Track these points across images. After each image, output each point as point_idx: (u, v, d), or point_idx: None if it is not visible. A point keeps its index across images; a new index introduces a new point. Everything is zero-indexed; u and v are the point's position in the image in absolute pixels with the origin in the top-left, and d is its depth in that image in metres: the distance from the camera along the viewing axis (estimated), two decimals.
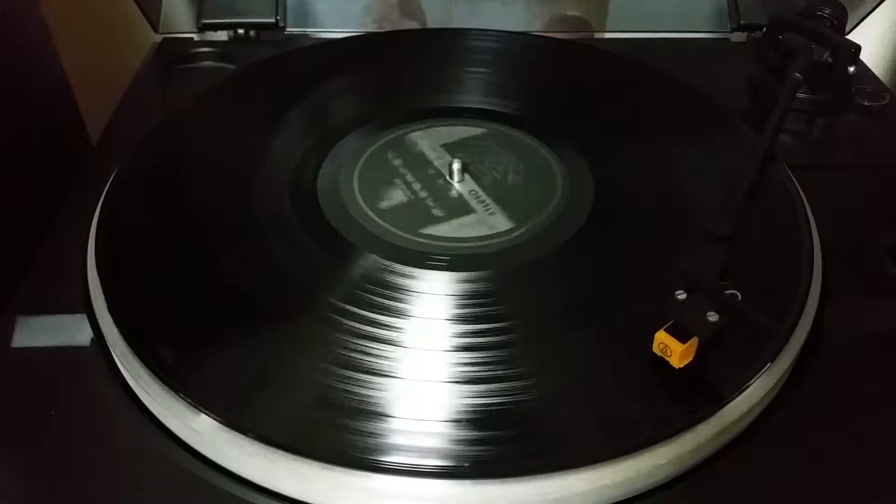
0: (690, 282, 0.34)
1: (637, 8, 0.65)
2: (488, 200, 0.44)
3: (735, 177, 0.42)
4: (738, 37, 0.64)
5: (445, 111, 0.51)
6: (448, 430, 0.31)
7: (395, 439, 0.31)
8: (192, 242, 0.41)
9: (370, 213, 0.43)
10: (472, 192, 0.45)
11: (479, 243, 0.41)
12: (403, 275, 0.38)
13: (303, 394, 0.33)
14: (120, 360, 0.35)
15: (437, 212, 0.43)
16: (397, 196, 0.44)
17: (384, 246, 0.40)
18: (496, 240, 0.41)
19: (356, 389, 0.33)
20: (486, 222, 0.42)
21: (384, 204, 0.43)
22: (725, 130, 0.49)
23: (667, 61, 0.55)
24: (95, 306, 0.37)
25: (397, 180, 0.45)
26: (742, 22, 0.63)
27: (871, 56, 0.70)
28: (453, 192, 0.45)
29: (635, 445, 0.31)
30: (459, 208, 0.43)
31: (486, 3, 0.64)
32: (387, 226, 0.42)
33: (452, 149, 0.48)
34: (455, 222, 0.42)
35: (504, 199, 0.44)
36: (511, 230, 0.42)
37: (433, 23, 0.65)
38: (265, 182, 0.45)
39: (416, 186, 0.45)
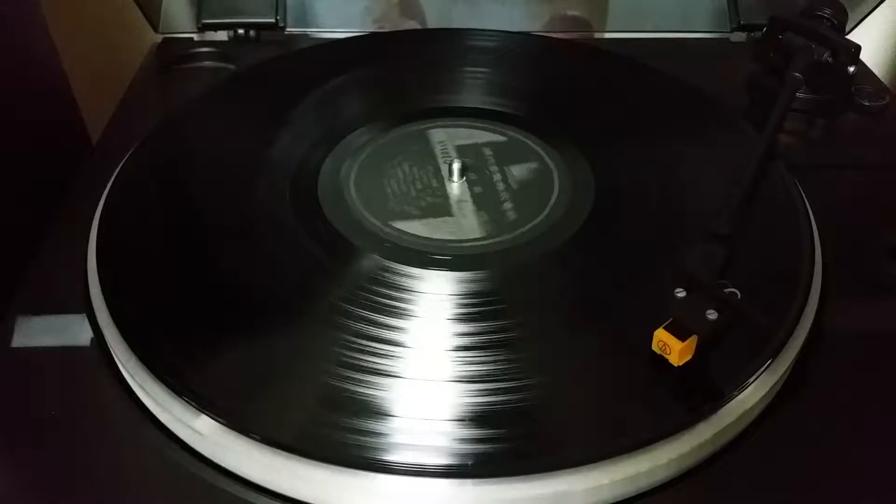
0: (690, 280, 0.34)
1: (637, 8, 0.65)
2: (488, 199, 0.44)
3: (735, 176, 0.42)
4: (738, 37, 0.64)
5: (445, 111, 0.51)
6: (449, 430, 0.31)
7: (396, 438, 0.31)
8: (192, 242, 0.41)
9: (371, 213, 0.43)
10: (472, 192, 0.45)
11: (480, 243, 0.41)
12: (405, 275, 0.38)
13: (303, 394, 0.33)
14: (120, 361, 0.35)
15: (437, 211, 0.43)
16: (397, 195, 0.44)
17: (385, 246, 0.40)
18: (497, 239, 0.41)
19: (357, 389, 0.33)
20: (487, 221, 0.42)
21: (385, 203, 0.43)
22: (726, 130, 0.49)
23: (667, 61, 0.55)
24: (95, 306, 0.37)
25: (397, 180, 0.45)
26: (742, 22, 0.63)
27: (871, 56, 0.70)
28: (454, 191, 0.45)
29: (635, 445, 0.31)
30: (460, 208, 0.43)
31: (486, 3, 0.64)
32: (387, 226, 0.42)
33: (452, 149, 0.48)
34: (456, 222, 0.42)
35: (504, 197, 0.44)
36: (511, 230, 0.42)
37: (433, 23, 0.65)
38: (265, 182, 0.45)
39: (417, 186, 0.45)
